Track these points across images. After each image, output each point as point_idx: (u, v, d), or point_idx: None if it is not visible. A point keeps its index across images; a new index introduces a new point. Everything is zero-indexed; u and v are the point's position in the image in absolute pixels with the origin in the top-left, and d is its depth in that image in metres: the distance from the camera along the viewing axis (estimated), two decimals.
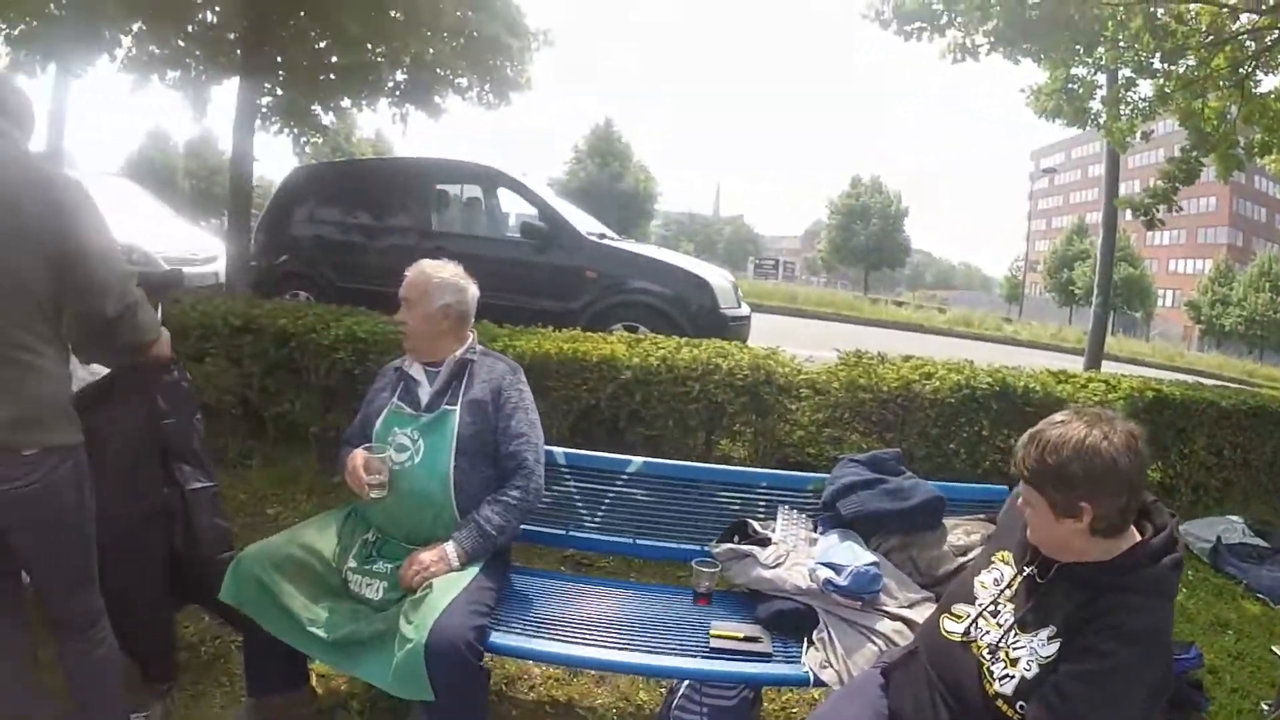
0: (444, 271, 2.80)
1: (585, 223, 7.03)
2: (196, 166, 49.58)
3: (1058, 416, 1.75)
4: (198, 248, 8.89)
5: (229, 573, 2.43)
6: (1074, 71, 8.87)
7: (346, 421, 4.31)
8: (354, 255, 7.26)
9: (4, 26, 7.27)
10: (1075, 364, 9.77)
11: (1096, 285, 12.49)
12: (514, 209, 7.51)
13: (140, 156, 48.47)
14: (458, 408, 2.61)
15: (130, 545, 2.51)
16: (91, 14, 6.57)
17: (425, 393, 2.69)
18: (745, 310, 6.81)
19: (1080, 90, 8.98)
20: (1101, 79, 9.08)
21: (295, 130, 8.54)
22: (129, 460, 2.57)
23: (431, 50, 7.46)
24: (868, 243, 47.54)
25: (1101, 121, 8.99)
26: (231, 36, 7.54)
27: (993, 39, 7.44)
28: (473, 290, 2.83)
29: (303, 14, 6.97)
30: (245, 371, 4.65)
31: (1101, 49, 8.13)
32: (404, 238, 7.06)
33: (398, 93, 8.37)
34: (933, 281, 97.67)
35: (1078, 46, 7.94)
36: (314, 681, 2.76)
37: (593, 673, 3.01)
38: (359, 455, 2.52)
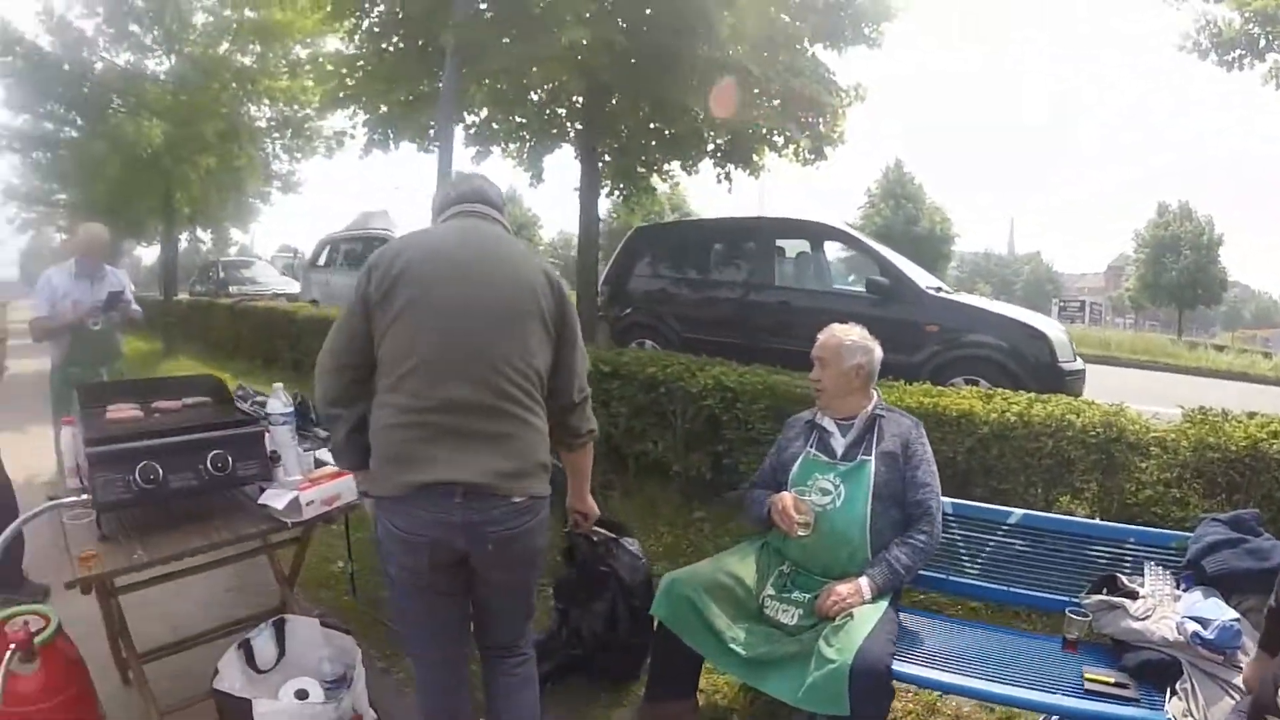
0: (853, 334, 3.16)
1: (923, 277, 7.21)
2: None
3: None
4: None
5: (661, 592, 2.88)
6: None
7: (707, 463, 4.86)
8: (699, 307, 7.96)
9: (364, 113, 8.66)
10: None
11: None
12: (850, 263, 7.97)
13: None
14: (873, 458, 2.96)
15: None
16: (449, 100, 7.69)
17: (839, 443, 3.06)
18: (1080, 364, 6.64)
19: None
20: None
21: (625, 191, 9.44)
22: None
23: (754, 113, 7.97)
24: (1180, 278, 42.05)
25: None
26: (562, 112, 8.53)
27: None
28: (878, 351, 3.18)
29: (638, 89, 7.70)
30: (612, 412, 5.26)
31: None
32: (748, 292, 7.67)
33: (719, 154, 9.04)
34: (1252, 319, 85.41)
35: None
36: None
37: (949, 712, 3.21)
38: (788, 497, 2.94)
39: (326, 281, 12.97)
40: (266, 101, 14.83)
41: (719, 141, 8.90)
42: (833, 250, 8.06)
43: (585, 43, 6.19)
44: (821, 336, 3.20)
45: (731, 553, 3.15)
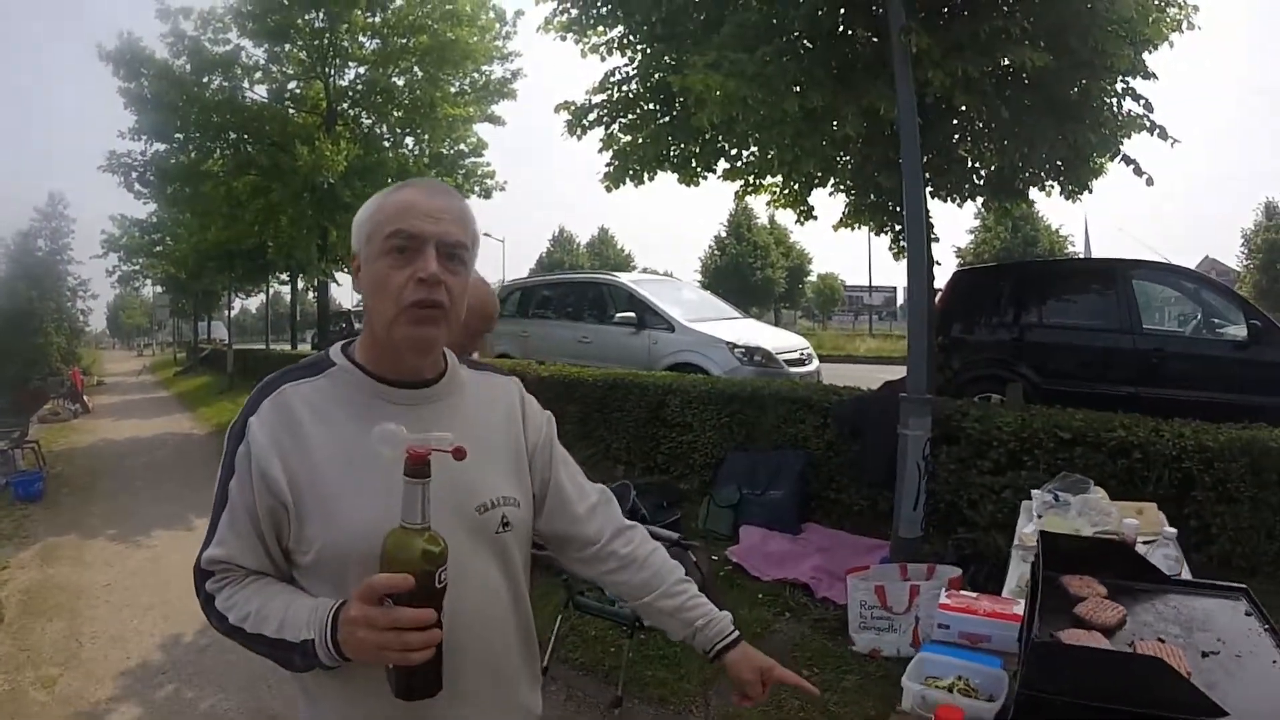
0: None
1: None
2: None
3: None
4: (794, 345, 9.79)
5: None
6: None
7: None
8: (1058, 356, 7.76)
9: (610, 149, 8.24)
10: None
11: None
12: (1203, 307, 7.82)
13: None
14: None
15: None
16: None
17: None
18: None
19: None
20: None
21: (893, 229, 9.07)
22: None
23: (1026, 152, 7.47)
24: None
25: None
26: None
27: None
28: None
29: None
30: None
31: None
32: (1117, 339, 7.53)
33: (989, 187, 8.63)
34: None
35: None
36: None
37: None
38: None
39: (524, 333, 12.00)
40: (427, 135, 14.66)
41: (984, 173, 8.27)
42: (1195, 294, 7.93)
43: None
44: None
45: None
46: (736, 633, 1.64)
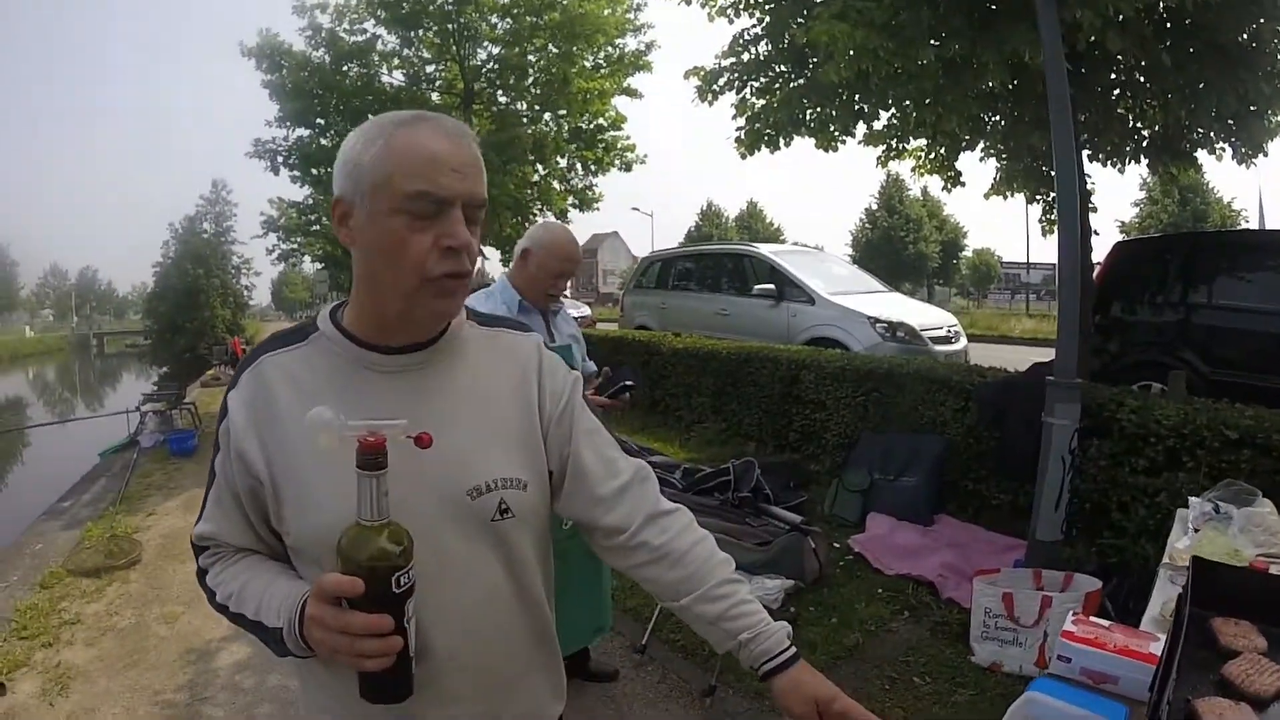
0: None
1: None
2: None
3: None
4: (941, 321, 9.30)
5: None
6: None
7: None
8: (1228, 343, 7.02)
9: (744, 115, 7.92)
10: None
11: None
12: None
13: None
14: None
15: None
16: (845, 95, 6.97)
17: None
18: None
19: None
20: None
21: (1047, 198, 8.46)
22: None
23: (1192, 108, 6.91)
24: None
25: None
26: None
27: None
28: None
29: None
30: None
31: None
32: None
33: (1150, 149, 7.94)
34: None
35: None
36: None
37: None
38: None
39: (662, 304, 12.14)
40: (563, 110, 14.70)
41: (1147, 133, 7.65)
42: None
43: None
44: None
45: None
46: (791, 651, 1.32)
